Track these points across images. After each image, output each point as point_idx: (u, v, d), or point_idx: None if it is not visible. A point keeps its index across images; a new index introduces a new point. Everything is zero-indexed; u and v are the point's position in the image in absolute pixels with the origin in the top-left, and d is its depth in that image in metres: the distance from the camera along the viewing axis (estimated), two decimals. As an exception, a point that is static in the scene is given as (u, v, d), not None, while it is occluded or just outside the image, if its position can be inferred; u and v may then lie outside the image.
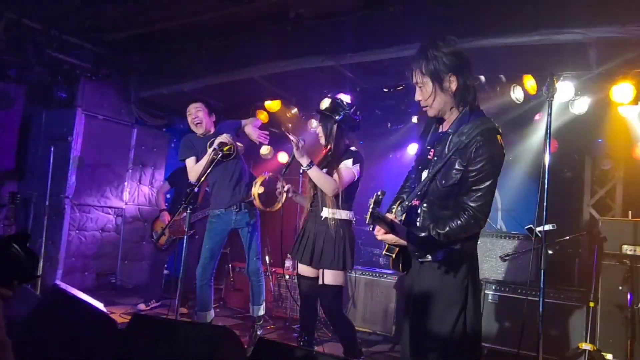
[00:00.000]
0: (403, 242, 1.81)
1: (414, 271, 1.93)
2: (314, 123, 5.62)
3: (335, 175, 2.82)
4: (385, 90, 4.70)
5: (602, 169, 4.89)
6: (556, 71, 3.50)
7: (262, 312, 3.63)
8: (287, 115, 5.51)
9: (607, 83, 3.72)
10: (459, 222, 1.72)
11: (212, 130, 3.68)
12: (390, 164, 6.20)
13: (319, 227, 2.87)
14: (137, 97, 5.50)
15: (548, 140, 2.30)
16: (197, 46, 4.71)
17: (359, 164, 2.87)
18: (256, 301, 3.61)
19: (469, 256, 1.83)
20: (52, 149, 4.92)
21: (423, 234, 1.76)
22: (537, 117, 4.68)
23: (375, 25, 3.80)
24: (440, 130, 1.91)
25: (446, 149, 1.78)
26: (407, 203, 1.88)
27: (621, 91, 3.63)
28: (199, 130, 3.62)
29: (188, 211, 3.01)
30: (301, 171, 2.86)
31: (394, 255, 1.90)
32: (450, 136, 1.79)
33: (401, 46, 3.61)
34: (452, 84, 1.77)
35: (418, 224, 1.85)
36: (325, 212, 2.85)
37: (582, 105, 4.04)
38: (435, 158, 1.83)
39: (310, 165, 2.77)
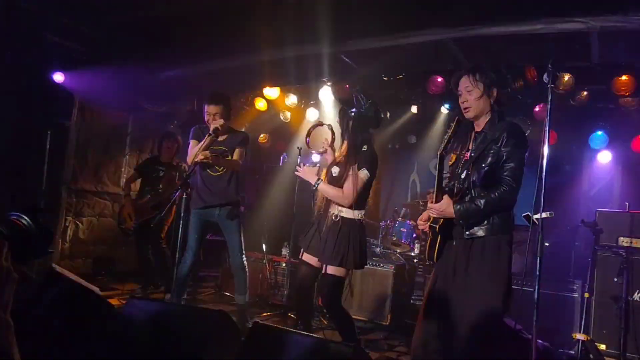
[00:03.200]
0: (450, 211, 2.17)
1: (458, 249, 2.24)
2: (312, 111, 5.59)
3: (347, 184, 2.79)
4: (384, 78, 4.67)
5: (598, 161, 4.89)
6: (558, 61, 3.48)
7: (247, 299, 3.77)
8: (286, 102, 5.47)
9: (609, 74, 3.70)
10: (497, 192, 2.15)
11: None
12: (389, 154, 6.18)
13: (328, 223, 2.89)
14: (134, 82, 5.44)
15: (548, 128, 2.30)
16: (195, 31, 4.65)
17: (367, 166, 2.82)
18: (241, 291, 3.72)
19: (509, 240, 2.20)
20: (48, 134, 4.88)
21: (467, 205, 2.15)
22: (536, 108, 4.66)
23: (376, 11, 3.75)
24: (474, 131, 2.36)
25: (483, 142, 2.24)
26: (452, 183, 2.31)
27: (622, 82, 3.61)
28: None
29: (184, 195, 3.00)
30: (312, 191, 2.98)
31: (437, 227, 2.26)
32: (485, 133, 2.27)
33: (402, 33, 3.57)
34: (494, 94, 2.29)
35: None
36: (333, 210, 2.87)
37: (581, 97, 4.02)
38: (472, 154, 2.26)
39: (317, 183, 2.90)
